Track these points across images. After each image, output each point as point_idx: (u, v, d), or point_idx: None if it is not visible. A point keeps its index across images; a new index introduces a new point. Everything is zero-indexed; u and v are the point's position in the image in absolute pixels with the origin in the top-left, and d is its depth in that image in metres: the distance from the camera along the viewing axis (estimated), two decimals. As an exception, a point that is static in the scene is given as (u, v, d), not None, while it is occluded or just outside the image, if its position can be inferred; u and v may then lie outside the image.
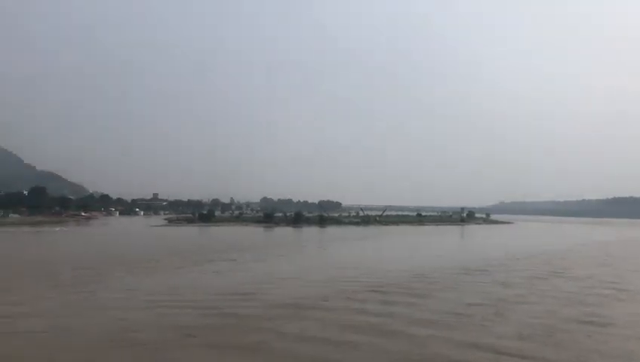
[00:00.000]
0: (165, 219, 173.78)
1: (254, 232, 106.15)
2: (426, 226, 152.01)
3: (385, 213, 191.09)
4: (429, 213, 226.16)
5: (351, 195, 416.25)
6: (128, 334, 19.11)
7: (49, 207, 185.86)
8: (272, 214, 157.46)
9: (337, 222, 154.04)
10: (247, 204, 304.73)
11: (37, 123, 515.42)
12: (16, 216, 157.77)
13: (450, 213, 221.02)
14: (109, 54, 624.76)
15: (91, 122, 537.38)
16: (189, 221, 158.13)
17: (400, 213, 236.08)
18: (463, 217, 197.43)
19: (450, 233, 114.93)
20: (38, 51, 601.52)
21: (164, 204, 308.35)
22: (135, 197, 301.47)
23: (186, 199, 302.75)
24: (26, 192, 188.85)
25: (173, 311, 22.95)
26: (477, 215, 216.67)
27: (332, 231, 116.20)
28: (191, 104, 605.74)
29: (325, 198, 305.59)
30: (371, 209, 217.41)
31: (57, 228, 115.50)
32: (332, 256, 54.98)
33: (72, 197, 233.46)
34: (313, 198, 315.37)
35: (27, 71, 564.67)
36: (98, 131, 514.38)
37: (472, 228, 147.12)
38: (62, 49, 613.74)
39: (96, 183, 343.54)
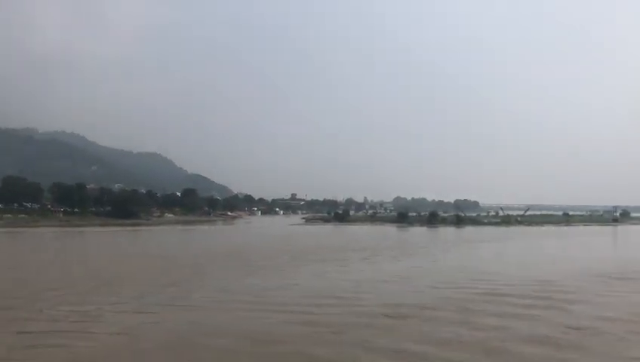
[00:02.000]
0: (303, 218, 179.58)
1: (386, 232, 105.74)
2: (574, 227, 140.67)
3: (527, 213, 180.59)
4: (576, 213, 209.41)
5: (489, 194, 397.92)
6: (195, 338, 18.01)
7: (199, 206, 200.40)
8: (406, 214, 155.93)
9: (475, 222, 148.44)
10: (381, 204, 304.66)
11: (187, 129, 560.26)
12: (171, 215, 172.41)
13: (602, 212, 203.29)
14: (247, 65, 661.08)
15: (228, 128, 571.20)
16: (325, 220, 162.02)
17: (545, 212, 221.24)
18: (616, 217, 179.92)
19: (600, 234, 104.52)
20: (187, 64, 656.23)
21: (302, 203, 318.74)
22: (275, 198, 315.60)
23: (322, 199, 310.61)
24: (179, 194, 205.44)
25: (255, 314, 21.56)
26: (633, 214, 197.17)
27: (468, 231, 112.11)
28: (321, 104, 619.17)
29: (462, 197, 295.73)
30: (512, 209, 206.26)
31: (206, 227, 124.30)
32: (456, 257, 51.86)
33: (218, 197, 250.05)
34: (449, 197, 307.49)
35: (179, 85, 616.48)
36: (242, 135, 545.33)
37: (627, 229, 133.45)
38: (208, 63, 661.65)
39: (240, 184, 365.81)
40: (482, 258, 51.73)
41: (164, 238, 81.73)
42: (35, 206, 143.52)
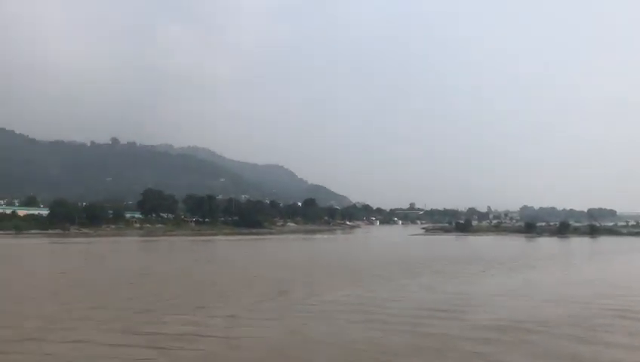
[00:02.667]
0: (422, 228, 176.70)
1: (511, 243, 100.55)
2: None
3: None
4: None
5: (629, 203, 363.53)
6: (294, 349, 17.46)
7: (319, 216, 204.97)
8: (533, 223, 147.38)
9: (612, 232, 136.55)
10: (506, 213, 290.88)
11: (307, 141, 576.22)
12: (293, 224, 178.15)
13: None
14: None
15: (349, 136, 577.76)
16: (446, 230, 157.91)
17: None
18: None
19: None
20: (306, 78, 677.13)
21: (421, 213, 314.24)
22: (393, 207, 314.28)
23: (442, 208, 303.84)
24: (300, 204, 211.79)
25: (357, 326, 20.49)
26: None
27: (604, 242, 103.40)
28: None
29: (595, 206, 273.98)
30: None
31: (325, 236, 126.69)
32: (588, 270, 47.63)
33: (337, 207, 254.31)
34: (581, 206, 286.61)
35: (299, 99, 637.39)
36: (358, 145, 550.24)
37: None
38: (326, 76, 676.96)
39: (358, 194, 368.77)
40: (618, 271, 47.49)
41: (285, 246, 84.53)
42: (171, 216, 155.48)
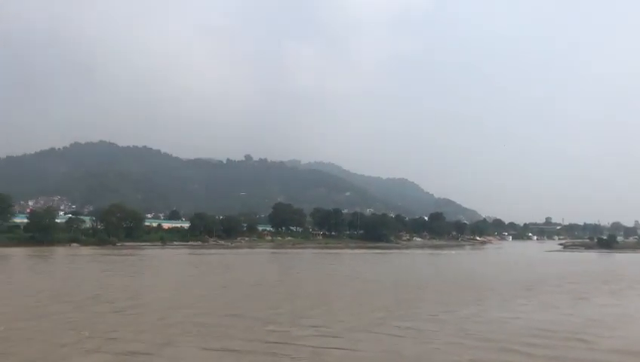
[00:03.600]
0: (560, 244, 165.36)
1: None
2: None
3: None
4: None
5: None
6: None
7: (447, 231, 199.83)
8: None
9: None
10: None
11: (433, 154, 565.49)
12: (419, 239, 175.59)
13: None
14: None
15: (480, 151, 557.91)
16: (587, 246, 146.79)
17: None
18: None
19: None
20: (430, 91, 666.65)
21: (558, 228, 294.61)
22: (527, 222, 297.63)
23: (581, 223, 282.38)
24: (426, 218, 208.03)
25: (451, 349, 19.34)
26: None
27: None
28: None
29: None
30: None
31: (453, 252, 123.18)
32: None
33: (466, 222, 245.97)
34: None
35: (423, 111, 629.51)
36: (489, 157, 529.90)
37: None
38: (452, 89, 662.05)
39: (488, 208, 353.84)
40: None
41: (407, 261, 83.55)
42: (299, 229, 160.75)
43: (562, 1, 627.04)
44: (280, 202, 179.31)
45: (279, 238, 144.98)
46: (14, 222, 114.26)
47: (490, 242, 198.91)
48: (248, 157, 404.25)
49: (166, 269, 59.31)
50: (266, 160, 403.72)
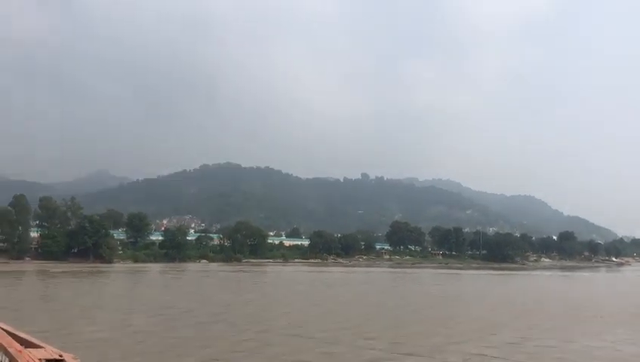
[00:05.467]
0: None
1: None
2: None
3: None
4: None
5: None
6: None
7: (578, 251, 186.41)
8: None
9: None
10: None
11: (562, 170, 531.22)
12: (548, 260, 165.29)
13: None
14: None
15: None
16: None
17: None
18: None
19: None
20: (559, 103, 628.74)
21: None
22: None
23: None
24: (555, 237, 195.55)
25: None
26: None
27: None
28: None
29: None
30: None
31: (587, 274, 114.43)
32: None
33: (600, 241, 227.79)
34: None
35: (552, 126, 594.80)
36: (625, 173, 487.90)
37: None
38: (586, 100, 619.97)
39: (625, 226, 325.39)
40: None
41: (534, 284, 78.81)
42: (418, 248, 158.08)
43: None
44: (397, 220, 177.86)
45: (397, 257, 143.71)
46: (151, 240, 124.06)
47: (628, 263, 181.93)
48: (365, 176, 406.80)
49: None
50: (382, 178, 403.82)
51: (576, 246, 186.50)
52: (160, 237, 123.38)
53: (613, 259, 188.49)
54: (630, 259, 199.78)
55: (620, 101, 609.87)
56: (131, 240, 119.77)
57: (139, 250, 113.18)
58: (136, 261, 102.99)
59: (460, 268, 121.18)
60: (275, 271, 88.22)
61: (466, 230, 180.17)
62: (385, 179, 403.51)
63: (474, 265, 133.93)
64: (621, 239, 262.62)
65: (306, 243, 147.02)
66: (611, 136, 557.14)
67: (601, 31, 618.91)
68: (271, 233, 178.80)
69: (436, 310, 40.58)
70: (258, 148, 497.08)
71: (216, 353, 21.33)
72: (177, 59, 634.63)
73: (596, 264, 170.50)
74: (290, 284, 63.93)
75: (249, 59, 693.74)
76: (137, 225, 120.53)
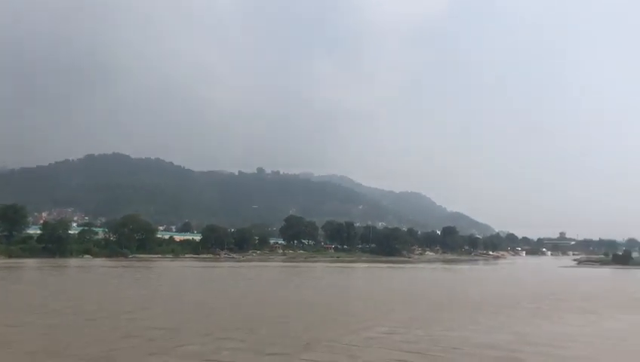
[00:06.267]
0: (574, 260, 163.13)
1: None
2: None
3: None
4: None
5: None
6: None
7: (460, 245, 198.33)
8: None
9: None
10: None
11: (445, 168, 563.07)
12: (431, 253, 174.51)
13: None
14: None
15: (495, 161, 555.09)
16: (602, 262, 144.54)
17: None
18: None
19: None
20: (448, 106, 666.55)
21: (572, 243, 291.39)
22: (541, 237, 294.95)
23: (596, 238, 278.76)
24: (439, 232, 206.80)
25: None
26: None
27: None
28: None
29: None
30: None
31: (467, 266, 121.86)
32: None
33: (479, 236, 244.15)
34: None
35: (439, 127, 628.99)
36: (502, 171, 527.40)
37: None
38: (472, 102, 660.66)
39: (501, 222, 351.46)
40: None
41: (428, 275, 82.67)
42: (311, 242, 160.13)
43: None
44: (292, 215, 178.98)
45: (291, 251, 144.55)
46: (28, 233, 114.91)
47: (503, 257, 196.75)
48: (260, 170, 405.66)
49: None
50: (278, 172, 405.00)
51: (457, 240, 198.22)
52: (39, 231, 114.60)
53: (490, 252, 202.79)
54: (505, 253, 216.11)
55: (503, 99, 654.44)
56: (5, 233, 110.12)
57: (14, 244, 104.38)
58: (10, 256, 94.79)
59: (351, 262, 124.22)
60: (161, 267, 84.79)
61: (358, 224, 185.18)
62: (281, 173, 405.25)
63: (364, 258, 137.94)
64: (497, 234, 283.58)
65: (198, 238, 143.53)
66: (489, 137, 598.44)
67: (488, 33, 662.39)
68: (161, 227, 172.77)
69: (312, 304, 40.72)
70: (149, 139, 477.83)
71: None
72: (61, 44, 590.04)
73: (475, 257, 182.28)
74: (167, 280, 61.45)
75: (145, 47, 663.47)
76: (12, 218, 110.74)
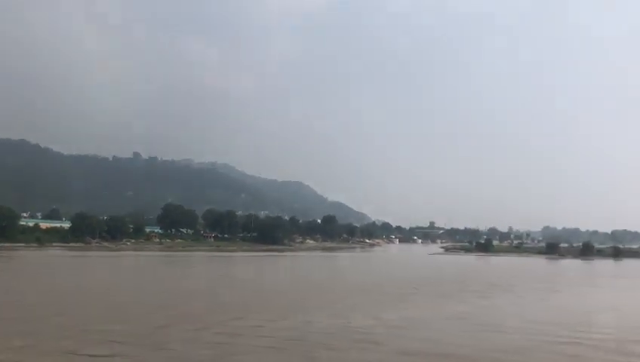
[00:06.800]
0: (442, 248, 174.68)
1: (532, 264, 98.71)
2: None
3: None
4: None
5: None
6: None
7: (339, 233, 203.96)
8: (556, 245, 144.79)
9: (637, 254, 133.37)
10: (528, 234, 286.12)
11: (328, 159, 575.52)
12: (312, 242, 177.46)
13: None
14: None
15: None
16: (466, 250, 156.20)
17: None
18: None
19: None
20: (327, 95, 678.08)
21: (441, 232, 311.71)
22: (413, 226, 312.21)
23: (462, 228, 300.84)
24: (319, 221, 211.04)
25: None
26: None
27: (629, 265, 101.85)
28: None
29: (620, 228, 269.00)
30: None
31: (344, 253, 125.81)
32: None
33: (357, 225, 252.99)
34: (605, 228, 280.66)
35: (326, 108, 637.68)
36: (380, 162, 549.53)
37: None
38: (352, 91, 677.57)
39: (378, 212, 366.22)
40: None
41: (305, 263, 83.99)
42: (190, 231, 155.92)
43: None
44: (170, 203, 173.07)
45: (168, 241, 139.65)
46: None
47: (378, 244, 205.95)
48: (137, 155, 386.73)
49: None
50: (156, 158, 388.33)
51: (337, 229, 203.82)
52: None
53: (367, 240, 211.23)
54: (380, 241, 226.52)
55: (370, 98, 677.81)
56: None
57: None
58: None
59: (232, 251, 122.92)
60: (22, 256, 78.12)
61: (239, 213, 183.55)
62: (159, 159, 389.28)
63: (245, 248, 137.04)
64: (374, 223, 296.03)
65: (67, 225, 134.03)
66: (367, 128, 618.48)
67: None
68: (24, 214, 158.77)
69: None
70: (11, 118, 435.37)
71: None
72: None
73: (353, 245, 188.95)
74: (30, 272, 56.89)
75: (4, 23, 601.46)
76: None
